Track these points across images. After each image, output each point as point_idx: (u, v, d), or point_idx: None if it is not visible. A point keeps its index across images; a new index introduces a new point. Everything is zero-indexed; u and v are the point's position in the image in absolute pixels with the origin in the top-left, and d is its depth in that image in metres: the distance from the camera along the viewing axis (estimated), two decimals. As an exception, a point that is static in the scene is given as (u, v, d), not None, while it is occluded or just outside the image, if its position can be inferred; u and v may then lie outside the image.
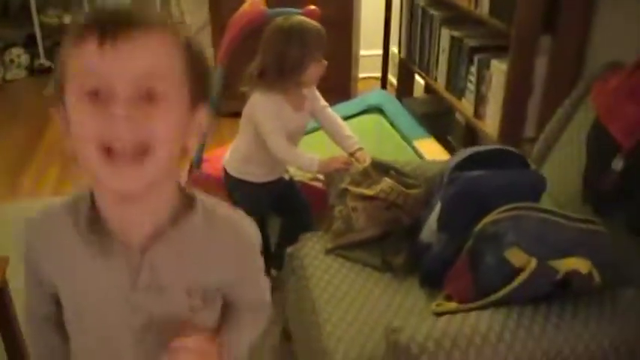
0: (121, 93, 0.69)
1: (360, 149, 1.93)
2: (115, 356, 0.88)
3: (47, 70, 4.44)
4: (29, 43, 4.47)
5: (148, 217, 0.81)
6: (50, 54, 4.52)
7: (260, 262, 0.95)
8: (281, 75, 1.83)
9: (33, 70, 4.43)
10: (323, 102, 2.01)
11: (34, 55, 4.45)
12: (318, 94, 2.00)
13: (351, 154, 1.92)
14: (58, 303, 0.90)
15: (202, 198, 0.85)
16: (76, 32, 0.72)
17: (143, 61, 0.70)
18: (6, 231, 2.53)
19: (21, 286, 0.95)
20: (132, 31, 0.70)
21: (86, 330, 0.88)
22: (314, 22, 1.88)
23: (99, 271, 0.82)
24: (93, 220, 0.81)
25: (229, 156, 2.05)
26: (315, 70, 1.87)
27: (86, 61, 0.70)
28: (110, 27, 0.69)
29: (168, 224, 0.81)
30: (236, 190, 2.02)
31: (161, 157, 0.73)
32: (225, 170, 2.05)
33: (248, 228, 0.89)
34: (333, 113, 2.03)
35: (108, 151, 0.71)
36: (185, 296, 0.84)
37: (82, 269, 0.83)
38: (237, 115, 3.45)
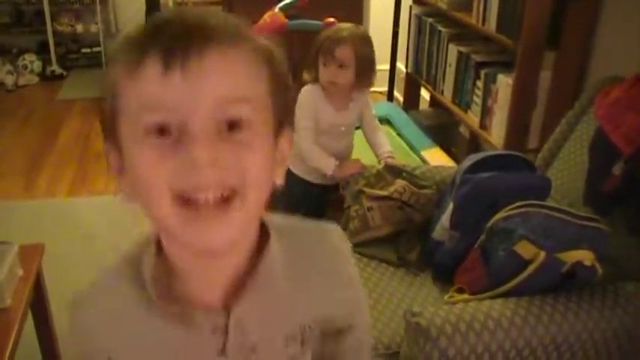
0: (199, 128, 0.54)
1: (391, 156, 2.04)
2: None
3: (59, 77, 4.56)
4: (42, 50, 4.58)
5: (231, 270, 0.65)
6: (62, 61, 4.64)
7: (357, 280, 0.77)
8: (311, 65, 1.95)
9: (45, 76, 4.54)
10: (373, 112, 2.11)
11: (46, 62, 4.56)
12: (369, 101, 2.10)
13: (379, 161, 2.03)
14: None
15: (274, 220, 0.69)
16: (131, 54, 0.56)
17: (222, 85, 0.55)
18: (23, 228, 2.62)
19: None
20: (204, 50, 0.55)
21: None
22: (345, 30, 1.95)
23: (177, 342, 0.65)
24: (162, 282, 0.64)
25: None
26: (322, 72, 1.95)
27: (149, 92, 0.55)
28: (178, 47, 0.54)
29: (248, 269, 0.66)
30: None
31: (250, 202, 0.58)
32: None
33: (333, 239, 0.74)
34: (378, 124, 2.13)
35: (187, 202, 0.56)
36: (282, 348, 0.69)
37: (156, 344, 0.66)
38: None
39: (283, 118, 0.63)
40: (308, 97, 1.97)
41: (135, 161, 0.57)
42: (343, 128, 2.04)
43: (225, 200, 0.56)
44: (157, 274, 0.64)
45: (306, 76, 2.01)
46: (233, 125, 0.56)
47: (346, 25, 1.98)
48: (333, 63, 1.91)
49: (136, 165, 0.57)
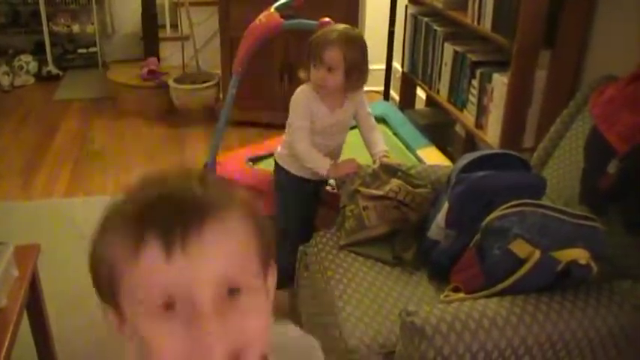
0: (206, 303, 0.56)
1: (385, 156, 2.03)
2: None
3: (55, 77, 4.55)
4: (38, 50, 4.58)
5: None
6: (58, 61, 4.64)
7: None
8: (305, 69, 1.95)
9: (41, 77, 4.53)
10: (368, 109, 2.11)
11: (42, 62, 4.55)
12: (364, 100, 2.09)
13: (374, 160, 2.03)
14: None
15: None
16: (127, 237, 0.57)
17: (223, 259, 0.58)
18: (20, 229, 2.62)
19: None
20: (204, 225, 0.56)
21: None
22: (334, 32, 1.93)
23: None
24: None
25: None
26: (312, 74, 1.93)
27: (152, 277, 0.57)
28: (178, 227, 0.56)
29: None
30: (276, 176, 2.12)
31: (257, 352, 0.61)
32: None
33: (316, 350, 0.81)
34: (374, 123, 2.13)
35: None
36: None
37: None
38: (244, 124, 3.59)
39: (268, 257, 0.65)
40: (303, 96, 1.96)
41: (144, 335, 0.58)
42: (337, 127, 2.04)
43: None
44: None
45: (301, 74, 2.01)
46: (234, 291, 0.58)
47: (337, 27, 1.96)
48: (322, 66, 1.90)
49: (146, 340, 0.58)
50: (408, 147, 2.69)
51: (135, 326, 0.59)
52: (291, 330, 0.82)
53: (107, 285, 0.61)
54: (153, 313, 0.57)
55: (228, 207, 0.60)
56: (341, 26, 1.97)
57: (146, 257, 0.56)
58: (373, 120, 2.12)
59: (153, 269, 0.56)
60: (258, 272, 0.62)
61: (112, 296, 0.61)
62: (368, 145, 2.10)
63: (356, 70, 1.92)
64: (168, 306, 0.56)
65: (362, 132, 2.12)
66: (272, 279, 0.67)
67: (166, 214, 0.56)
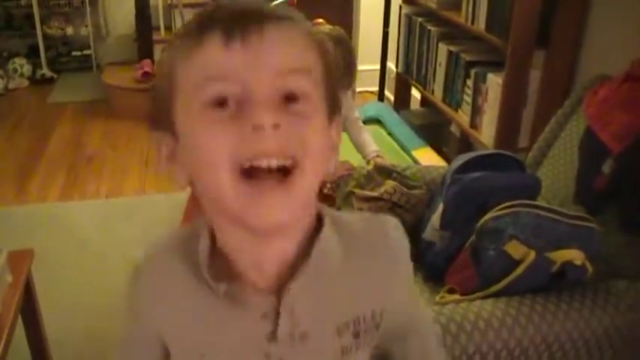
0: (260, 97, 0.55)
1: (379, 155, 2.04)
2: None
3: (49, 80, 4.54)
4: (32, 53, 4.56)
5: (285, 253, 0.64)
6: (52, 64, 4.62)
7: (413, 280, 0.78)
8: None
9: (35, 80, 4.52)
10: (356, 114, 2.11)
11: (36, 65, 4.54)
12: (351, 103, 2.09)
13: (368, 161, 2.03)
14: None
15: (331, 212, 0.69)
16: (190, 35, 0.58)
17: (281, 55, 0.56)
18: (15, 233, 2.61)
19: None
20: (263, 26, 0.56)
21: None
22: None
23: (227, 323, 0.66)
24: (217, 264, 0.64)
25: None
26: None
27: (209, 65, 0.56)
28: (238, 23, 0.56)
29: (301, 255, 0.64)
30: None
31: (309, 176, 0.58)
32: None
33: (393, 233, 0.72)
34: (362, 125, 2.13)
35: (248, 175, 0.56)
36: (334, 337, 0.67)
37: (205, 323, 0.67)
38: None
39: (334, 107, 0.63)
40: None
41: (194, 137, 0.57)
42: None
43: (286, 172, 0.56)
44: (211, 255, 0.64)
45: None
46: (291, 97, 0.57)
47: (321, 29, 1.96)
48: None
49: (196, 141, 0.57)
50: (402, 147, 2.69)
51: (186, 135, 0.59)
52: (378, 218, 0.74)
53: (164, 99, 0.60)
54: (205, 111, 0.56)
55: (294, 22, 0.59)
56: (326, 28, 1.96)
57: (205, 48, 0.56)
58: (361, 122, 2.13)
59: (211, 58, 0.56)
60: (322, 101, 0.60)
61: (166, 114, 0.60)
62: (359, 147, 2.10)
63: (339, 70, 1.92)
64: (221, 102, 0.55)
65: (351, 135, 2.12)
66: (336, 133, 0.65)
67: (228, 14, 0.57)
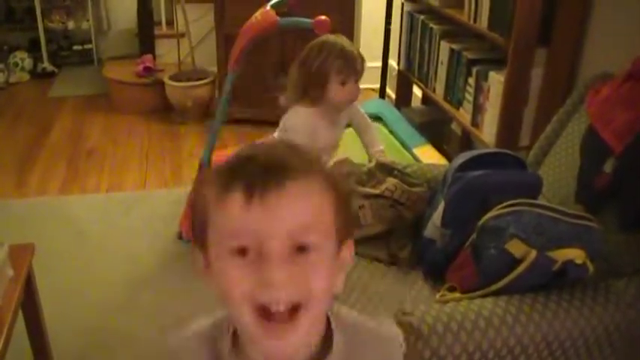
0: (274, 252, 0.64)
1: (382, 156, 2.05)
2: None
3: (50, 74, 4.53)
4: (33, 47, 4.56)
5: (296, 354, 0.73)
6: (53, 58, 4.62)
7: None
8: (306, 88, 1.92)
9: (36, 74, 4.51)
10: (362, 111, 2.12)
11: (37, 59, 4.53)
12: (362, 111, 2.11)
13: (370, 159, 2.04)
14: None
15: (340, 314, 0.79)
16: (219, 184, 0.67)
17: (296, 216, 0.65)
18: (15, 227, 2.61)
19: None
20: (283, 183, 0.64)
21: None
22: (346, 44, 1.93)
23: None
24: (238, 356, 0.75)
25: None
26: (339, 92, 1.90)
27: (231, 222, 0.65)
28: (259, 180, 0.64)
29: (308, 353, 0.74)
30: None
31: (314, 312, 0.68)
32: None
33: (392, 349, 0.82)
34: (369, 122, 2.15)
35: (263, 311, 0.66)
36: None
37: None
38: (240, 122, 3.59)
39: (346, 231, 0.72)
40: (305, 122, 1.93)
41: (221, 275, 0.67)
42: (336, 141, 2.06)
43: (294, 310, 0.66)
44: (232, 348, 0.75)
45: (282, 101, 1.98)
46: (303, 248, 0.65)
47: (334, 39, 1.94)
48: (354, 79, 1.89)
49: (222, 279, 0.67)
50: (404, 145, 2.69)
51: (215, 266, 0.68)
52: (381, 322, 0.85)
53: (199, 230, 0.70)
54: (229, 256, 0.65)
55: (310, 173, 0.68)
56: (334, 37, 1.96)
57: (229, 204, 0.65)
58: (368, 119, 2.15)
59: (233, 215, 0.65)
60: (331, 237, 0.69)
61: (202, 241, 0.70)
62: (366, 145, 2.12)
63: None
64: (242, 251, 0.65)
65: (359, 133, 2.14)
66: (348, 252, 0.73)
67: (251, 170, 0.65)
